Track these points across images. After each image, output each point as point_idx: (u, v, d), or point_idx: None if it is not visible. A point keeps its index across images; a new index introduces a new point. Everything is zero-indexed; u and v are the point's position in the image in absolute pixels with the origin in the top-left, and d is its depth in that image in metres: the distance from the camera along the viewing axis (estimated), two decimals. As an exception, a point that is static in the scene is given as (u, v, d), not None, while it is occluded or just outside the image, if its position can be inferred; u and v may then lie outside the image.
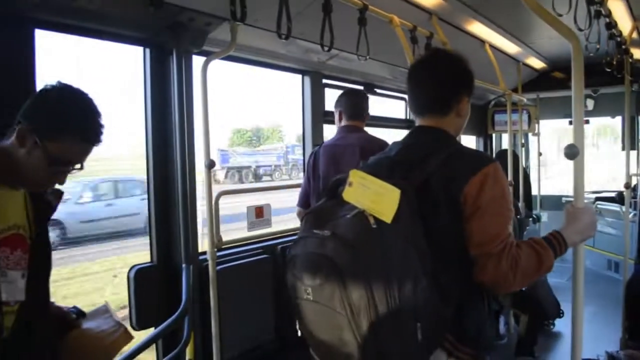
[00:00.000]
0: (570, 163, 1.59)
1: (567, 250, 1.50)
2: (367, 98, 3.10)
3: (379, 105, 4.65)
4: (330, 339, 1.36)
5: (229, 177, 18.29)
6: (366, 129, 3.01)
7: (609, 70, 3.44)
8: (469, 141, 6.63)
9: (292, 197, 3.24)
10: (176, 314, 2.44)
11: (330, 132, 3.85)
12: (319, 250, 1.35)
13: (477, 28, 3.81)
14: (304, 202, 2.98)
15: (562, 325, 4.42)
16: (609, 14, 3.02)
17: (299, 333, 2.63)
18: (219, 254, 2.85)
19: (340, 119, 3.00)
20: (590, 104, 6.01)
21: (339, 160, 2.82)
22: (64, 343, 1.58)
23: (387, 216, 1.33)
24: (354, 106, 2.98)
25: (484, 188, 1.42)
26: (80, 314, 1.65)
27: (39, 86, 1.50)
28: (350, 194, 1.44)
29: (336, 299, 1.30)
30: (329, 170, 2.80)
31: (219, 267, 2.80)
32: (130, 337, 1.69)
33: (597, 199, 6.33)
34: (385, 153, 1.68)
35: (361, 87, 4.26)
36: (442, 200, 1.45)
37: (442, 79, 1.62)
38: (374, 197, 1.37)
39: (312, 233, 1.41)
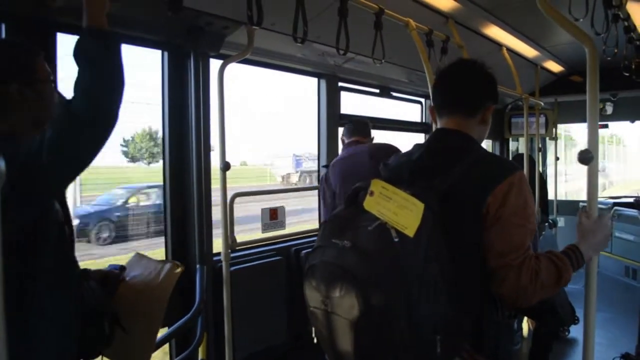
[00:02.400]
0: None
1: (584, 264, 1.49)
2: (368, 124, 3.21)
3: (395, 109, 4.66)
4: (349, 350, 1.34)
5: (301, 180, 19.17)
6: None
7: (627, 74, 3.40)
8: (485, 145, 6.60)
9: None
10: (189, 314, 2.47)
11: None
12: (339, 262, 1.33)
13: (494, 31, 3.79)
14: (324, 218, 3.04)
15: (577, 331, 4.37)
16: (627, 17, 2.99)
17: (313, 335, 2.64)
18: (232, 255, 2.87)
19: (343, 142, 3.14)
20: (609, 108, 5.95)
21: (350, 171, 2.86)
22: (118, 298, 1.61)
23: (410, 230, 1.30)
24: (355, 126, 3.13)
25: (508, 197, 1.40)
26: (121, 268, 1.67)
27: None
28: (371, 204, 1.40)
29: (355, 312, 1.29)
30: (343, 183, 2.84)
31: (232, 268, 2.82)
32: (178, 268, 1.70)
33: (615, 204, 6.25)
34: (407, 155, 1.65)
35: (377, 91, 4.28)
36: (465, 209, 1.42)
37: (476, 80, 1.63)
38: (396, 209, 1.34)
39: (331, 242, 1.38)
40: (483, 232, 1.41)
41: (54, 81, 1.43)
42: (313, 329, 1.81)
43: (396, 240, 1.30)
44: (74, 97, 1.24)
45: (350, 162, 2.91)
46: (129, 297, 1.62)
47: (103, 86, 1.25)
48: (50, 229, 1.36)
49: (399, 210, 1.34)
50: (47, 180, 1.22)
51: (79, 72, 1.25)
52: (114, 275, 1.65)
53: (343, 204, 1.53)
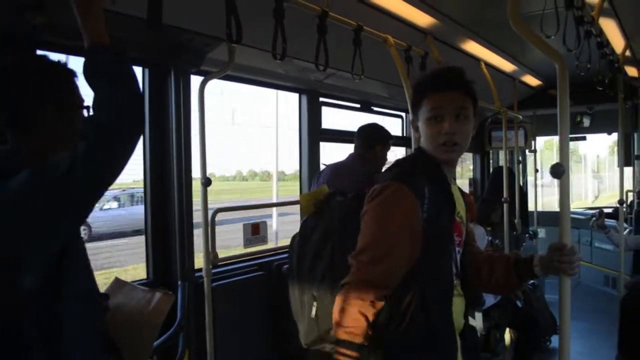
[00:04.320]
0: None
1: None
2: (377, 133, 3.29)
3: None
4: None
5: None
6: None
7: (600, 89, 3.48)
8: (465, 158, 6.68)
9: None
10: (171, 330, 2.45)
11: (326, 150, 3.95)
12: None
13: (472, 47, 3.86)
14: None
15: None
16: (599, 33, 3.06)
17: (295, 350, 2.64)
18: (214, 270, 2.86)
19: None
20: (586, 120, 6.06)
21: (333, 178, 3.00)
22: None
23: None
24: (362, 140, 3.24)
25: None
26: (104, 296, 1.59)
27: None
28: None
29: None
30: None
31: (214, 284, 2.81)
32: (171, 298, 1.66)
33: (593, 215, 6.35)
34: None
35: (358, 106, 4.32)
36: None
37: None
38: None
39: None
40: None
41: (87, 107, 1.43)
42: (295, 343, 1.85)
43: None
44: (99, 112, 1.25)
45: (338, 175, 3.04)
46: (117, 327, 1.53)
47: (125, 96, 1.26)
48: (80, 253, 1.36)
49: None
50: (82, 193, 1.23)
51: (98, 89, 1.26)
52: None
53: None
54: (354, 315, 1.38)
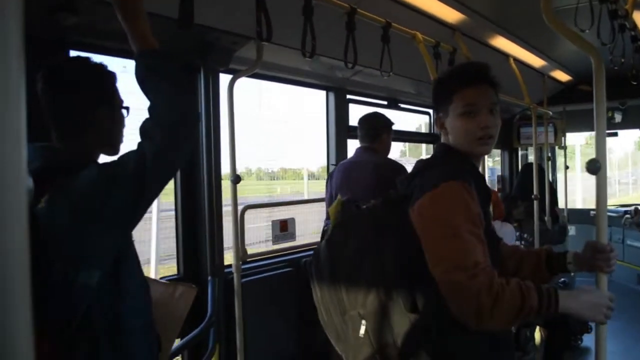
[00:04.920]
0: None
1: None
2: (381, 119, 3.16)
3: (403, 121, 4.68)
4: None
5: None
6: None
7: (635, 83, 3.41)
8: (494, 155, 6.61)
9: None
10: (201, 325, 2.49)
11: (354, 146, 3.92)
12: None
13: (501, 42, 3.81)
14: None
15: (590, 340, 4.34)
16: (634, 27, 3.00)
17: (324, 346, 2.65)
18: (243, 267, 2.89)
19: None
20: (618, 116, 5.94)
21: (348, 180, 2.93)
22: None
23: None
24: (367, 130, 3.10)
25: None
26: None
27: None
28: None
29: None
30: (339, 190, 2.88)
31: (243, 280, 2.84)
32: (194, 291, 1.70)
33: (627, 212, 6.22)
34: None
35: (385, 103, 4.30)
36: None
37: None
38: None
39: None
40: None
41: (127, 108, 1.48)
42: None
43: None
44: (165, 112, 1.29)
45: (352, 171, 2.95)
46: None
47: (185, 95, 1.33)
48: (133, 247, 1.42)
49: None
50: (150, 189, 1.28)
51: (157, 91, 1.29)
52: None
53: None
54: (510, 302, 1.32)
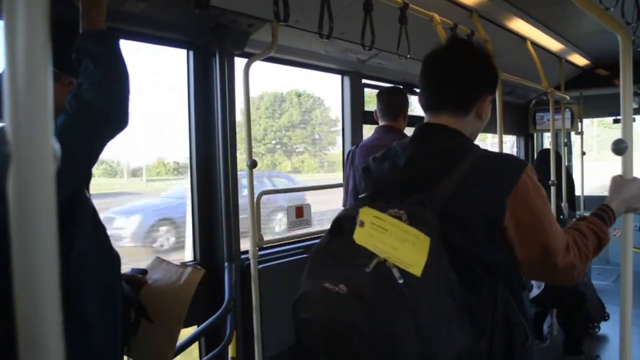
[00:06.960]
0: None
1: (615, 220, 1.44)
2: (404, 96, 3.03)
3: (418, 105, 4.61)
4: None
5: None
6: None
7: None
8: (508, 141, 6.54)
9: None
10: (219, 312, 2.48)
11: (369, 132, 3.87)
12: (339, 315, 1.13)
13: (518, 24, 3.74)
14: (347, 203, 2.99)
15: (607, 328, 4.30)
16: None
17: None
18: (260, 253, 2.88)
19: (377, 119, 2.97)
20: (636, 101, 5.84)
21: None
22: (141, 301, 1.65)
23: (416, 268, 1.11)
24: (389, 106, 2.91)
25: (526, 201, 1.24)
26: (143, 272, 1.72)
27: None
28: (363, 237, 1.19)
29: None
30: None
31: (260, 266, 2.83)
32: (201, 272, 1.72)
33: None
34: (391, 161, 1.40)
35: (401, 87, 4.25)
36: (471, 224, 1.22)
37: (466, 71, 1.38)
38: (395, 242, 1.15)
39: (322, 287, 1.19)
40: (505, 248, 1.26)
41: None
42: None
43: (400, 282, 1.10)
44: (83, 89, 1.31)
45: (377, 152, 2.84)
46: (151, 300, 1.65)
47: (113, 79, 1.35)
48: (86, 210, 1.41)
49: (398, 244, 1.15)
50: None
51: (87, 70, 1.33)
52: (137, 278, 1.68)
53: (328, 233, 1.33)
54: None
